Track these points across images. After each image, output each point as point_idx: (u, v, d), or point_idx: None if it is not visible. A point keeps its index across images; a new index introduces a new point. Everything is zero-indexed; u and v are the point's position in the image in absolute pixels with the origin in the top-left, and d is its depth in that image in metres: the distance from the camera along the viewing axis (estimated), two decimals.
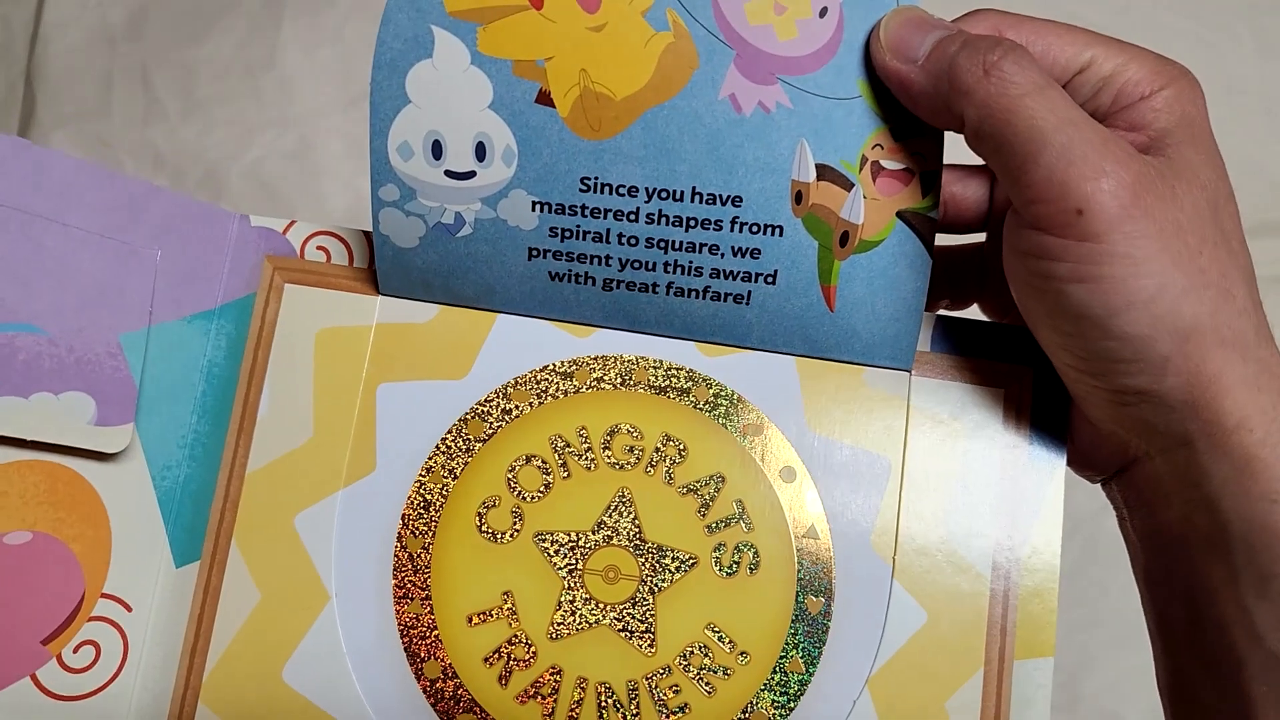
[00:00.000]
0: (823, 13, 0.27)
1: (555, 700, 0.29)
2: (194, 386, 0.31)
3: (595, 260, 0.29)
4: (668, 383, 0.30)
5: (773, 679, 0.29)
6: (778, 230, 0.28)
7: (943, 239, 0.35)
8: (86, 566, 0.28)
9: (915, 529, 0.29)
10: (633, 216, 0.28)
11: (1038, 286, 0.26)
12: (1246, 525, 0.25)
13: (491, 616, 0.29)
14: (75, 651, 0.28)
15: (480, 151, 0.28)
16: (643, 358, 0.30)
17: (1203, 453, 0.26)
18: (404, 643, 0.29)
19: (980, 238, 0.34)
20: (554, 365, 0.30)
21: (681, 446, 0.30)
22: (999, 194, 0.32)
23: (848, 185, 0.28)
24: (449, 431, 0.30)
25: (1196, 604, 0.28)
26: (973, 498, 0.29)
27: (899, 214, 0.28)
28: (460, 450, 0.30)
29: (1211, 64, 0.64)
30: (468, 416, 0.30)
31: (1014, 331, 0.30)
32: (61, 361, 0.27)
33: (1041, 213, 0.25)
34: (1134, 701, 0.52)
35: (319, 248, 0.31)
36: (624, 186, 0.28)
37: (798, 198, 0.28)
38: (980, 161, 0.27)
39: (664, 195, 0.28)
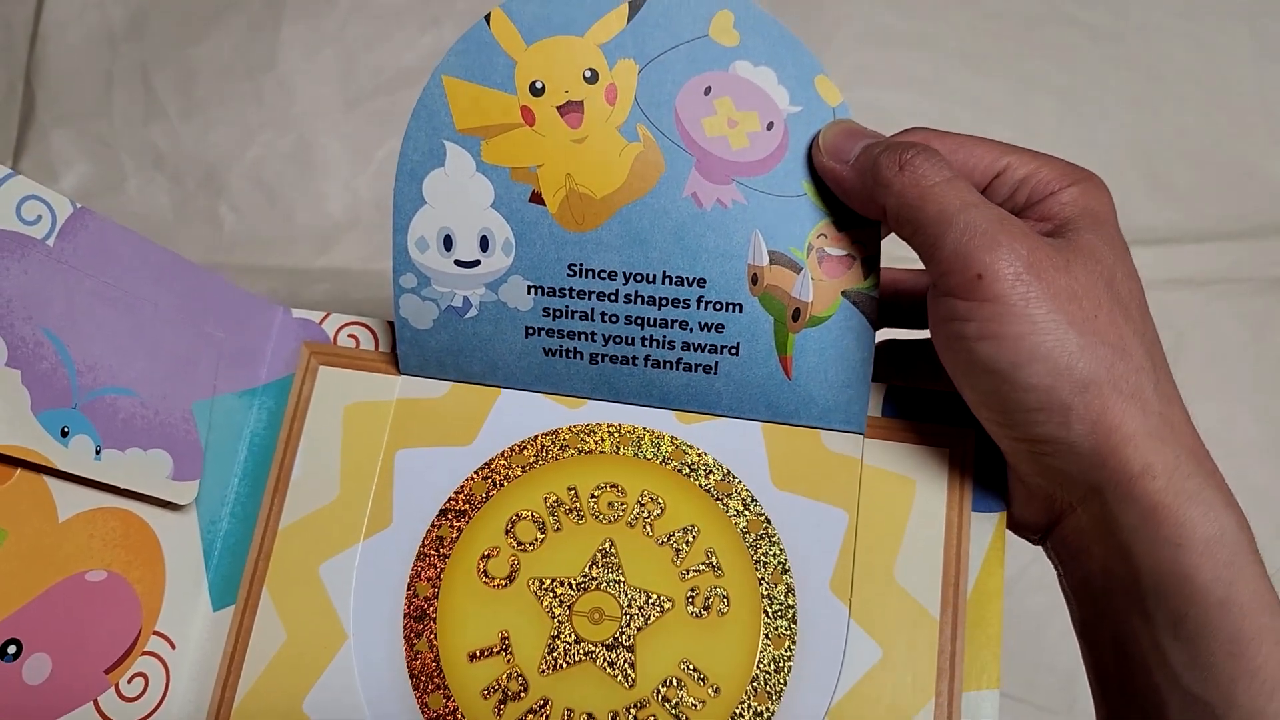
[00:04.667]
0: (769, 126, 0.32)
1: None
2: (238, 453, 0.35)
3: (582, 336, 0.34)
4: (649, 447, 0.34)
5: (741, 711, 0.31)
6: (738, 307, 0.33)
7: (898, 333, 0.39)
8: (145, 605, 0.32)
9: (870, 574, 0.32)
10: (613, 297, 0.33)
11: (954, 347, 0.29)
12: (1156, 570, 0.27)
13: (490, 654, 0.33)
14: (129, 682, 0.32)
15: (484, 244, 0.33)
16: (627, 426, 0.35)
17: (1113, 501, 0.28)
18: (411, 677, 0.33)
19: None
20: (549, 433, 0.35)
21: (659, 502, 0.34)
22: None
23: (797, 268, 0.32)
24: (457, 491, 0.34)
25: (1124, 649, 0.30)
26: (922, 545, 0.32)
27: (844, 293, 0.33)
28: (466, 507, 0.34)
29: (1211, 65, 0.65)
30: (473, 478, 0.35)
31: (957, 398, 0.33)
32: (149, 422, 0.32)
33: (951, 281, 0.29)
34: None
35: (350, 335, 0.37)
36: (605, 271, 0.33)
37: (754, 279, 0.33)
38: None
39: (639, 278, 0.33)
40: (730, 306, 0.33)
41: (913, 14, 0.67)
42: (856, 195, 0.31)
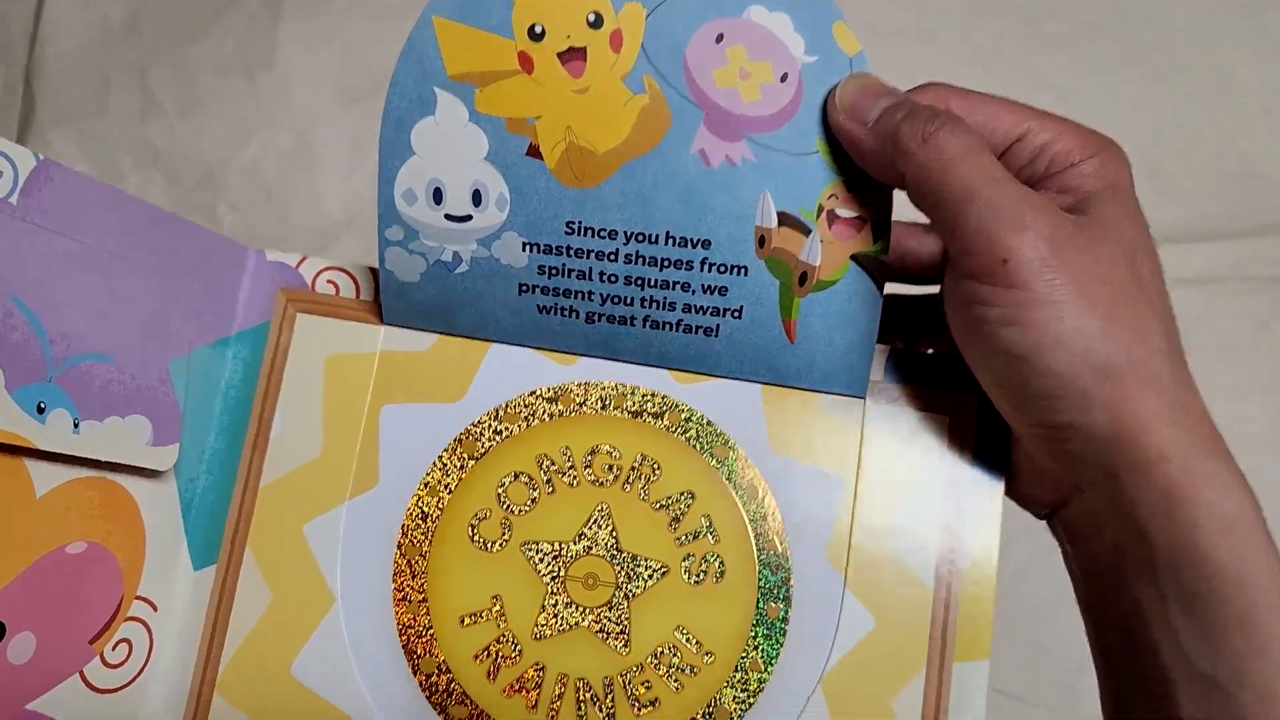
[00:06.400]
0: (783, 78, 0.30)
1: (538, 694, 0.32)
2: (214, 407, 0.34)
3: (579, 295, 0.32)
4: (644, 407, 0.33)
5: (735, 677, 0.32)
6: (743, 270, 0.31)
7: (899, 289, 0.38)
8: (126, 571, 0.31)
9: (866, 542, 0.32)
10: (613, 257, 0.32)
11: (974, 330, 0.29)
12: (1172, 549, 0.27)
13: (482, 618, 0.32)
14: (114, 649, 0.31)
15: (477, 198, 0.31)
16: (622, 384, 0.33)
17: (1129, 484, 0.28)
18: (402, 641, 0.32)
19: (933, 289, 0.37)
20: (541, 391, 0.34)
21: (655, 466, 0.33)
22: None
23: (806, 231, 0.31)
24: (445, 450, 0.33)
25: (1132, 629, 0.30)
26: (919, 514, 0.32)
27: (853, 257, 0.31)
28: (455, 467, 0.33)
29: (1211, 64, 0.65)
30: (462, 436, 0.33)
31: (960, 363, 0.32)
32: (126, 387, 0.30)
33: (974, 263, 0.28)
34: None
35: (329, 281, 0.35)
36: (605, 230, 0.31)
37: (761, 241, 0.31)
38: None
39: (641, 238, 0.31)
40: (735, 269, 0.31)
41: (913, 8, 0.65)
42: (874, 161, 0.30)
